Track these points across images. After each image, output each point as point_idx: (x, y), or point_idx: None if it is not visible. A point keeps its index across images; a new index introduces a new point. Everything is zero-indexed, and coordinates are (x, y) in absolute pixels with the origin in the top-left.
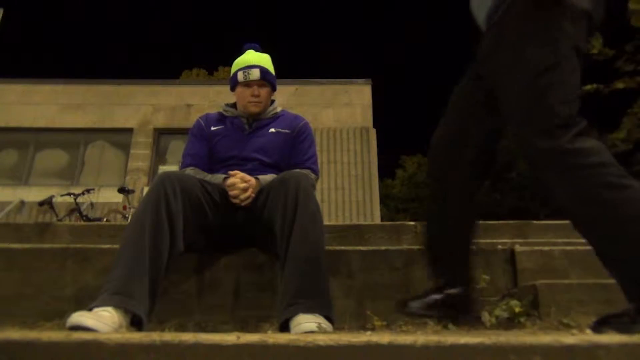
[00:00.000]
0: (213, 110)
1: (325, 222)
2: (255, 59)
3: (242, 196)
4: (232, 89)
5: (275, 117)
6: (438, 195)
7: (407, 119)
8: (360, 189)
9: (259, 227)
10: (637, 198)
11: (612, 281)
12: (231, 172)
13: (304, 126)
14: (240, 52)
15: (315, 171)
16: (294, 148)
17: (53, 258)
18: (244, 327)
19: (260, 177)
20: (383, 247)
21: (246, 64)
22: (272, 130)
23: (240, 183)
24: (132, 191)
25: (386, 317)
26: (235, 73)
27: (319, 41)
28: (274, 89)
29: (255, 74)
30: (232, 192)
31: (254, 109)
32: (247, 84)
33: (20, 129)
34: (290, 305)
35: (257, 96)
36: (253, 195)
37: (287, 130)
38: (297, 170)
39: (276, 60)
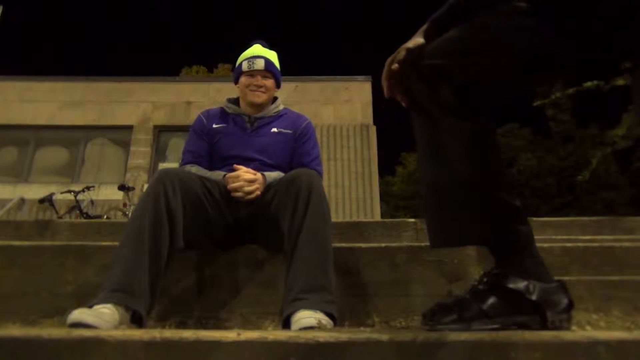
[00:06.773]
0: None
1: None
2: (261, 51)
3: (247, 189)
4: (236, 81)
5: (278, 116)
6: None
7: (408, 116)
8: (361, 186)
9: (263, 224)
10: None
11: (612, 278)
12: (236, 166)
13: (307, 126)
14: (247, 47)
15: (319, 172)
16: (298, 149)
17: (53, 255)
18: (245, 324)
19: (267, 173)
20: (383, 244)
21: (251, 55)
22: (274, 130)
23: (246, 175)
24: (132, 188)
25: (386, 314)
26: (240, 64)
27: (319, 38)
28: (278, 84)
29: (260, 64)
30: (234, 185)
31: (256, 99)
32: (251, 73)
33: (21, 127)
34: (293, 302)
35: (261, 86)
36: (259, 192)
37: (289, 131)
38: (307, 169)
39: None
